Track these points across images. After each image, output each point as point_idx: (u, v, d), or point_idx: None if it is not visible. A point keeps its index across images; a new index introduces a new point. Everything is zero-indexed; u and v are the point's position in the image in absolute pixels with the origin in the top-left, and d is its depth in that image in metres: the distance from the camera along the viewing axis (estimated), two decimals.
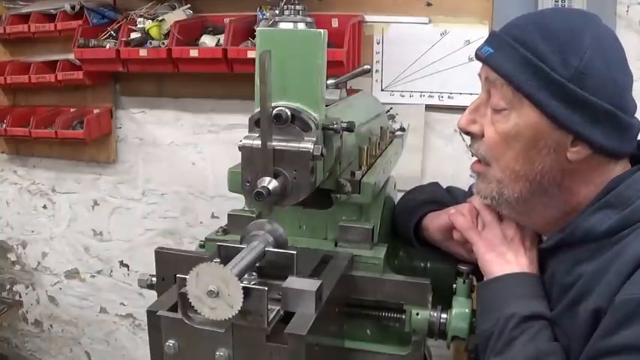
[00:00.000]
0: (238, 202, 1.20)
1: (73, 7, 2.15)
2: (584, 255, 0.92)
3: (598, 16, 0.96)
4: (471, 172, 1.06)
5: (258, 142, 0.93)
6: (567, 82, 0.88)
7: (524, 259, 1.02)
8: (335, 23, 1.89)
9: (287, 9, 1.07)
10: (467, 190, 1.35)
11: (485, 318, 0.99)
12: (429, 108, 1.95)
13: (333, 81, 1.28)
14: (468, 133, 1.02)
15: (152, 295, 1.08)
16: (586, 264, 0.90)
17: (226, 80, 2.07)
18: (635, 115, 0.95)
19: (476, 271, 1.10)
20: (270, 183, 0.91)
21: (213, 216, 2.29)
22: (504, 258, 1.03)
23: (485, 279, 1.04)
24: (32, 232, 2.61)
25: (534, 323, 0.93)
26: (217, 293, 0.75)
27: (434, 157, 1.98)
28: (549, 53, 0.89)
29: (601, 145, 0.91)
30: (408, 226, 1.23)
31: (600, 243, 0.90)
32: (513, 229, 1.05)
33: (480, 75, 1.01)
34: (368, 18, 1.94)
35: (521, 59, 0.91)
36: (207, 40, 1.97)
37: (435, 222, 1.19)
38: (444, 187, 1.43)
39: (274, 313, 0.83)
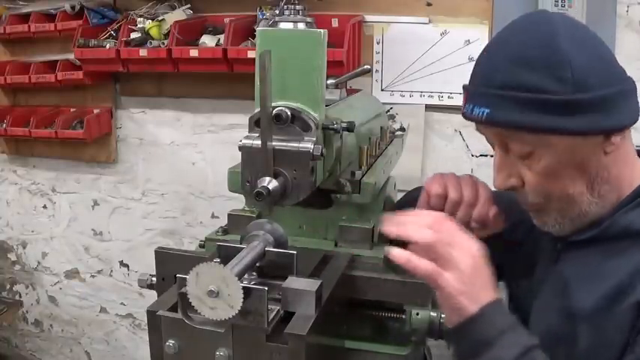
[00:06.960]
0: (238, 202, 1.20)
1: (73, 7, 2.15)
2: (617, 251, 0.93)
3: (544, 9, 0.97)
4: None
5: (258, 142, 0.93)
6: (573, 95, 0.86)
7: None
8: (335, 23, 1.89)
9: (287, 9, 1.07)
10: None
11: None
12: (429, 108, 1.95)
13: (333, 81, 1.28)
14: (508, 189, 0.98)
15: (152, 295, 1.08)
16: (624, 260, 0.91)
17: (226, 80, 2.07)
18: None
19: None
20: (270, 183, 0.91)
21: (213, 216, 2.29)
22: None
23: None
24: (32, 232, 2.61)
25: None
26: (217, 293, 0.76)
27: (434, 157, 1.98)
28: (542, 81, 0.87)
29: (628, 124, 0.92)
30: None
31: (634, 240, 0.92)
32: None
33: (481, 133, 0.98)
34: (368, 18, 1.94)
35: (522, 103, 0.88)
36: (207, 40, 1.97)
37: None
38: None
39: (274, 313, 0.83)
